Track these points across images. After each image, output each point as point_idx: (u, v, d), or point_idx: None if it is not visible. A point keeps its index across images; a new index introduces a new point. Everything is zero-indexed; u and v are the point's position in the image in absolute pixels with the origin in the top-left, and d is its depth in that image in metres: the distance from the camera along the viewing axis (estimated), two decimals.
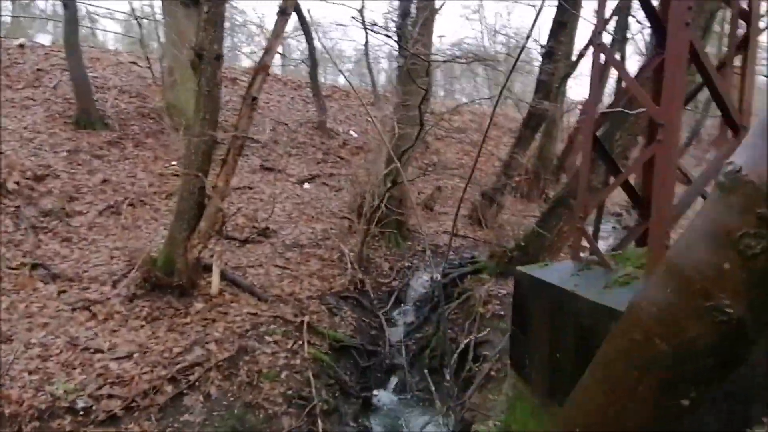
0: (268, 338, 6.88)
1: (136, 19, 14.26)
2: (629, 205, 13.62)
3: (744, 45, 3.21)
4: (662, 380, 1.05)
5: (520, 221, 11.30)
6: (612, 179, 3.81)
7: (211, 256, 8.06)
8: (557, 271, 3.72)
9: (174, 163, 11.56)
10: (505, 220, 11.95)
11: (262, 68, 6.65)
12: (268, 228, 10.12)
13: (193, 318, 6.69)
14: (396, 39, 9.05)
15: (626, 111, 3.56)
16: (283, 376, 6.30)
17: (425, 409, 6.88)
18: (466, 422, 5.89)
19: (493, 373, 6.33)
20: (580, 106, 14.92)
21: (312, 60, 16.23)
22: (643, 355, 1.08)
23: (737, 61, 3.27)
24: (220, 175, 6.94)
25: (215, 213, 7.10)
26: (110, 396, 5.14)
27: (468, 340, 7.13)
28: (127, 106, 13.04)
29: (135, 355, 5.78)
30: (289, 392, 6.13)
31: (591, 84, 3.62)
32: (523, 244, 8.09)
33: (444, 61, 9.75)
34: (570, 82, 13.26)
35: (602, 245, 11.33)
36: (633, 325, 1.12)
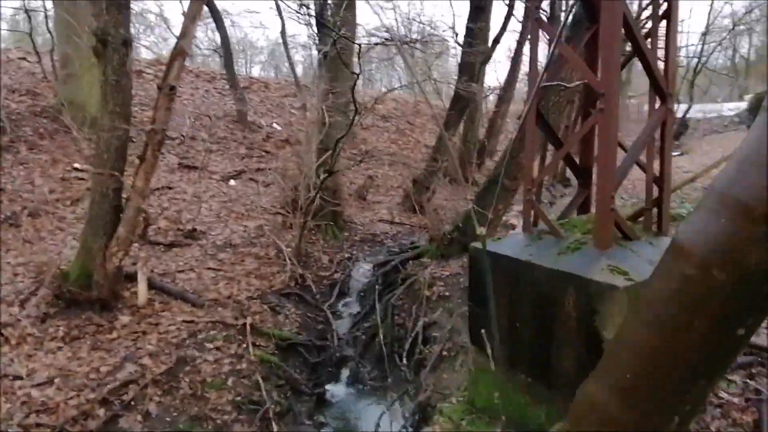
0: (209, 345, 6.43)
1: (26, 12, 12.60)
2: (549, 182, 14.44)
3: (667, 15, 3.42)
4: (720, 312, 1.04)
5: (452, 205, 11.55)
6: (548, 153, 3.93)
7: (134, 264, 7.38)
8: (511, 244, 3.78)
9: (77, 165, 10.43)
10: (437, 204, 12.15)
11: (179, 54, 6.10)
12: (195, 229, 9.47)
13: (120, 332, 6.07)
14: (318, 24, 8.77)
15: (564, 84, 3.67)
16: (229, 382, 5.92)
17: (380, 397, 6.81)
18: (423, 404, 5.91)
19: (445, 353, 6.40)
20: (498, 92, 15.55)
21: (226, 49, 15.36)
22: (698, 290, 1.06)
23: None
24: (138, 173, 6.32)
25: (135, 216, 6.48)
26: (38, 425, 4.53)
27: (417, 323, 7.15)
28: (18, 105, 11.53)
29: (56, 380, 5.13)
30: (238, 399, 5.78)
31: (531, 58, 3.69)
32: (461, 225, 8.26)
33: (376, 44, 9.62)
34: (486, 68, 13.71)
35: None
36: (684, 263, 1.10)
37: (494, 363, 3.84)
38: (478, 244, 3.94)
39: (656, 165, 3.54)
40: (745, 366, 3.14)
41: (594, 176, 3.72)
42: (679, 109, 23.59)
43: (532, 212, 3.76)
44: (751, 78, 35.05)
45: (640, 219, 3.65)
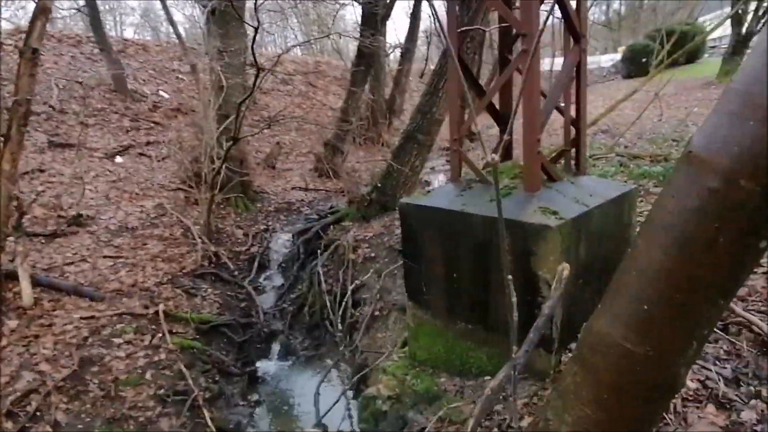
0: (117, 340, 5.79)
1: None
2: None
3: None
4: (747, 225, 0.99)
5: (366, 166, 11.44)
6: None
7: (12, 261, 6.34)
8: (441, 197, 3.75)
9: None
10: (351, 167, 11.96)
11: (41, 12, 5.09)
12: (80, 215, 8.36)
13: (10, 339, 5.23)
14: None
15: (483, 28, 3.61)
16: (148, 376, 5.40)
17: (315, 367, 6.70)
18: (360, 366, 5.90)
19: (377, 313, 6.41)
20: (400, 49, 15.41)
21: (92, 8, 13.31)
22: (724, 204, 1.00)
23: None
24: (4, 155, 5.31)
25: (7, 205, 5.49)
26: None
27: (345, 288, 7.06)
28: None
29: None
30: (161, 392, 5.31)
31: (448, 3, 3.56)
32: (379, 185, 8.18)
33: None
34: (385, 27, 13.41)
35: (443, 179, 12.26)
36: (705, 176, 1.02)
37: (433, 315, 3.86)
38: (407, 200, 3.86)
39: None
40: None
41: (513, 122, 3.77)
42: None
43: (460, 162, 3.73)
44: (623, 31, 38.54)
45: (561, 160, 3.79)
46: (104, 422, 4.80)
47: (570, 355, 3.13)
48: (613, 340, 1.34)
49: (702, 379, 2.51)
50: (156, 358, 5.69)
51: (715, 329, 2.84)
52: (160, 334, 6.02)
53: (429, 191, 3.97)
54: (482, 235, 3.31)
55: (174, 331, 6.22)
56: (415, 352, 4.08)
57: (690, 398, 2.44)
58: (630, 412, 1.43)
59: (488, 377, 3.49)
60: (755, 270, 3.44)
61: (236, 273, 8.13)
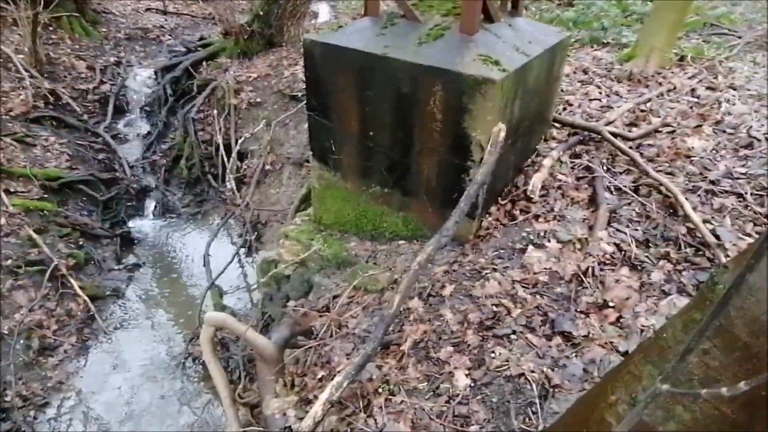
0: None
1: None
2: None
3: None
4: None
5: None
6: None
7: None
8: (357, 34, 3.04)
9: None
10: None
11: None
12: None
13: None
14: None
15: None
16: None
17: (200, 224, 6.13)
18: (255, 222, 5.50)
19: (268, 167, 5.81)
20: None
21: None
22: None
23: None
24: None
25: None
26: None
27: (228, 137, 6.21)
28: None
29: None
30: (9, 262, 4.43)
31: None
32: (261, 12, 6.81)
33: None
34: None
35: (328, 10, 10.76)
36: None
37: (343, 177, 3.46)
38: (314, 37, 3.08)
39: None
40: (572, 146, 3.43)
41: None
42: None
43: None
44: None
45: None
46: None
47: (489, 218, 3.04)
48: None
49: (617, 242, 2.59)
50: None
51: (626, 190, 2.90)
52: None
53: (340, 27, 3.20)
54: (408, 85, 2.80)
55: (12, 190, 5.04)
56: (321, 216, 3.74)
57: (606, 262, 2.53)
58: None
59: (402, 241, 3.34)
60: (660, 129, 3.53)
61: (85, 117, 6.64)
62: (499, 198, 3.13)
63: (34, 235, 4.77)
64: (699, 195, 2.84)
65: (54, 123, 6.25)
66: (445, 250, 2.99)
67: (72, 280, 4.73)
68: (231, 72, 6.86)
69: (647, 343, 0.67)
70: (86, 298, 4.66)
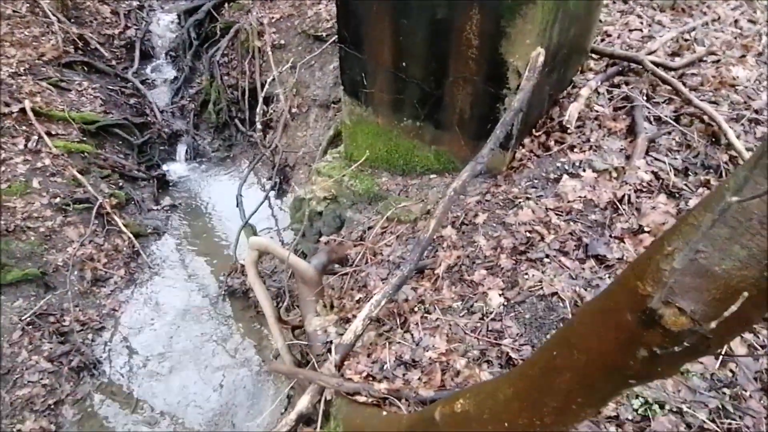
0: None
1: None
2: None
3: None
4: None
5: None
6: None
7: None
8: None
9: None
10: None
11: None
12: None
13: None
14: None
15: None
16: (35, 184, 4.65)
17: (230, 168, 6.26)
18: (283, 166, 5.59)
19: (294, 110, 5.82)
20: None
21: None
22: None
23: None
24: None
25: None
26: None
27: (254, 81, 6.20)
28: None
29: None
30: (57, 200, 4.66)
31: None
32: None
33: None
34: None
35: None
36: None
37: (375, 112, 3.46)
38: None
39: None
40: (610, 77, 3.33)
41: None
42: None
43: None
44: None
45: None
46: None
47: (523, 150, 3.03)
48: None
49: (655, 171, 2.57)
50: (40, 164, 4.85)
51: (667, 120, 2.83)
52: (36, 137, 5.02)
53: None
54: (443, 10, 2.73)
55: (53, 132, 5.21)
56: (352, 153, 3.78)
57: (643, 189, 2.52)
58: None
59: (434, 175, 3.38)
60: (704, 59, 3.38)
61: (113, 63, 6.70)
62: (533, 130, 3.10)
63: (78, 176, 4.98)
64: (743, 124, 2.77)
65: (85, 68, 6.33)
66: (477, 181, 3.02)
67: (116, 218, 4.97)
68: (254, 13, 6.74)
69: (709, 194, 0.71)
70: (130, 235, 4.90)
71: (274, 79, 6.20)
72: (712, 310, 0.66)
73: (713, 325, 0.65)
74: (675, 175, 2.53)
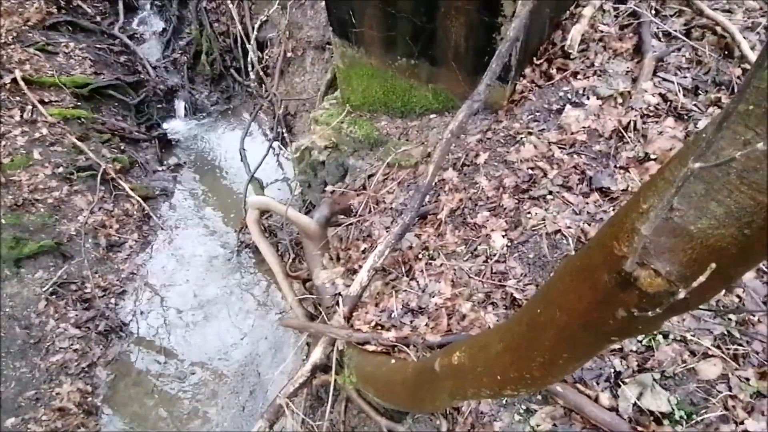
0: None
1: None
2: None
3: None
4: None
5: None
6: None
7: None
8: None
9: None
10: None
11: None
12: None
13: None
14: None
15: None
16: (36, 155, 4.66)
17: (230, 121, 6.15)
18: (284, 114, 5.47)
19: (289, 54, 5.59)
20: None
21: None
22: None
23: None
24: None
25: None
26: None
27: (246, 26, 5.93)
28: None
29: None
30: (60, 170, 4.70)
31: None
32: None
33: None
34: None
35: None
36: None
37: (367, 52, 3.30)
38: None
39: None
40: None
41: None
42: None
43: None
44: None
45: None
46: (7, 211, 4.27)
47: (524, 82, 2.88)
48: None
49: (663, 92, 2.43)
50: (38, 134, 4.83)
51: (676, 35, 2.63)
52: (30, 106, 4.96)
53: None
54: None
55: (46, 100, 5.14)
56: (349, 97, 3.66)
57: (650, 114, 2.40)
58: None
59: (433, 115, 3.26)
60: None
61: (98, 19, 6.45)
62: (534, 58, 2.93)
63: (78, 143, 4.96)
64: (758, 32, 2.56)
65: (69, 28, 6.11)
66: (477, 118, 2.91)
67: (122, 183, 5.00)
68: None
69: (684, 146, 0.65)
70: (138, 199, 4.95)
71: (266, 21, 5.94)
72: (689, 271, 0.62)
73: (690, 286, 0.62)
74: (684, 95, 2.39)
